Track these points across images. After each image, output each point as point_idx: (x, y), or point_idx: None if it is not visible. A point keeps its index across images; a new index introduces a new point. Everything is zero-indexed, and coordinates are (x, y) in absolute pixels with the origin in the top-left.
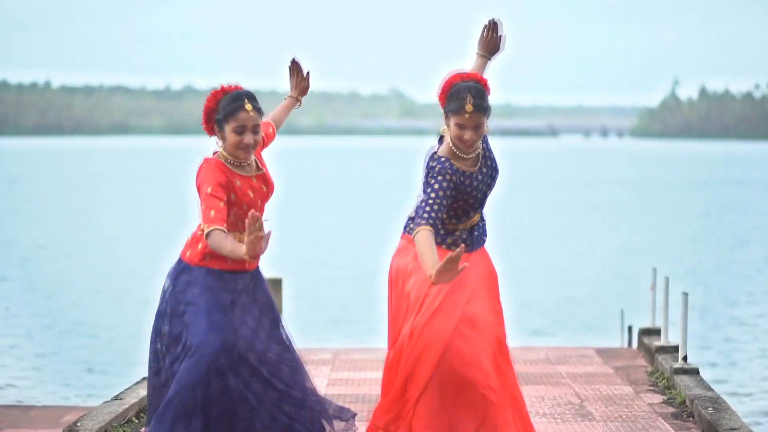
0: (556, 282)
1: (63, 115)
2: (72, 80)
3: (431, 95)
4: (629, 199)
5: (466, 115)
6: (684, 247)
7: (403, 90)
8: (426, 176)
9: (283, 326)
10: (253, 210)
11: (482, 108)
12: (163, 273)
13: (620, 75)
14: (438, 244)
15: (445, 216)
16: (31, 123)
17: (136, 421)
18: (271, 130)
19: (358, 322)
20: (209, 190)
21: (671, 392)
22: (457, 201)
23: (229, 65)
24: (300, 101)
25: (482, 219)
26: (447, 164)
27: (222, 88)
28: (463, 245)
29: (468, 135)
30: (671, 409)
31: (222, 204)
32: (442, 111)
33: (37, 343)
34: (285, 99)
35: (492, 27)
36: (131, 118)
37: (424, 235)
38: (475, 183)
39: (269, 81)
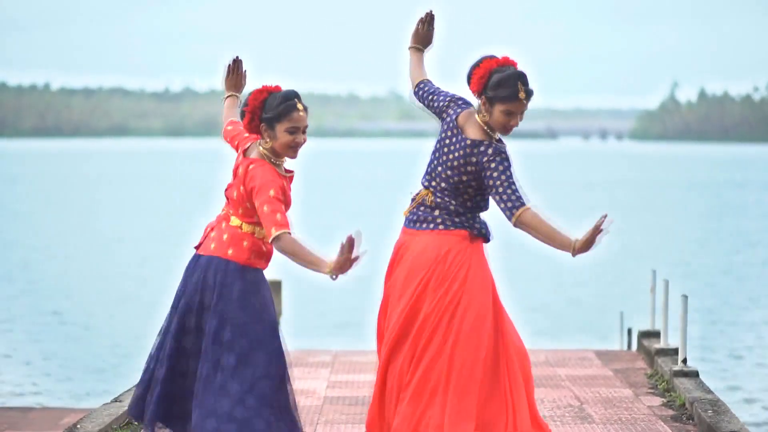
0: (556, 284)
1: (62, 117)
2: (71, 82)
3: None
4: (628, 201)
5: (517, 102)
6: (684, 250)
7: (402, 92)
8: (502, 159)
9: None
10: (351, 233)
11: (532, 94)
12: (162, 274)
13: (619, 77)
14: (477, 234)
15: (470, 203)
16: (30, 125)
17: (136, 423)
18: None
19: (358, 325)
20: (272, 192)
21: (671, 395)
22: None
23: None
24: (239, 98)
25: (440, 205)
26: (461, 109)
27: (264, 87)
28: (606, 215)
29: (515, 121)
30: (671, 412)
31: (284, 208)
32: (477, 94)
33: (36, 345)
34: (225, 99)
35: (428, 20)
36: (130, 120)
37: (530, 214)
38: (451, 151)
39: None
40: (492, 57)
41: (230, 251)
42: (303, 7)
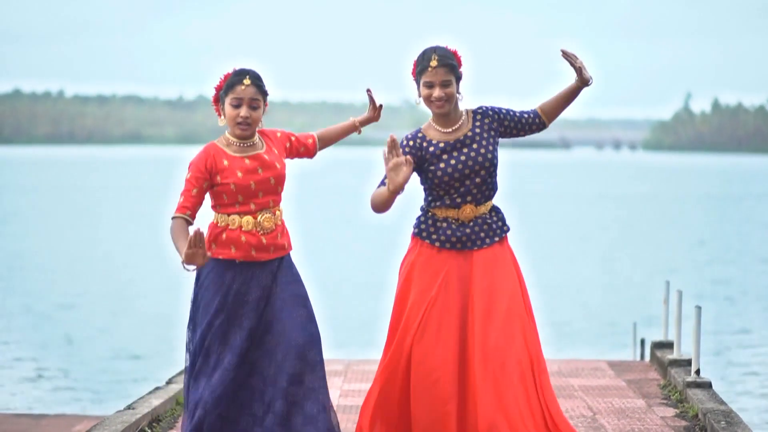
0: (569, 295)
1: (76, 125)
2: (85, 90)
3: None
4: (642, 212)
5: (431, 70)
6: (697, 261)
7: (415, 102)
8: None
9: (299, 321)
10: (199, 228)
11: (447, 63)
12: (175, 280)
13: (633, 88)
14: (422, 237)
15: (430, 197)
16: (44, 132)
17: (149, 430)
18: (310, 141)
19: (371, 333)
20: (188, 175)
21: (684, 406)
22: (425, 172)
23: None
24: (359, 128)
25: (489, 216)
26: (414, 132)
27: (233, 69)
28: (391, 136)
29: (436, 92)
30: (684, 423)
31: (195, 191)
32: (415, 84)
33: (49, 352)
34: (348, 120)
35: (567, 58)
36: (144, 128)
37: (377, 191)
38: (446, 156)
39: (281, 92)
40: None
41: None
42: (316, 18)
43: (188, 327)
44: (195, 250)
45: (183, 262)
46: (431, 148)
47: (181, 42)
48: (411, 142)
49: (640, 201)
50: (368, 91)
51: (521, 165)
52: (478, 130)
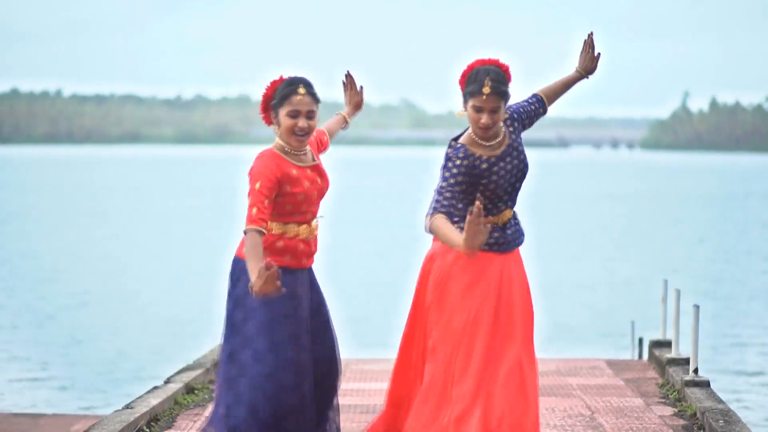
0: (567, 293)
1: (74, 124)
2: (83, 89)
3: (442, 106)
4: (639, 210)
5: (483, 97)
6: (695, 260)
7: (414, 101)
8: (442, 165)
9: (332, 328)
10: (275, 267)
11: (500, 91)
12: (173, 280)
13: (631, 87)
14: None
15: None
16: (42, 131)
17: (147, 430)
18: (325, 138)
19: (370, 333)
20: (258, 185)
21: (682, 404)
22: (476, 187)
23: (241, 75)
24: (347, 121)
25: (515, 218)
26: (461, 149)
27: (281, 77)
28: (479, 203)
29: (484, 119)
30: (682, 422)
31: (267, 202)
32: (462, 96)
33: (46, 352)
34: (336, 114)
35: (590, 44)
36: (142, 128)
37: (440, 220)
38: (496, 169)
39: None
40: (481, 59)
41: (244, 250)
42: (314, 17)
43: (231, 331)
44: (270, 286)
45: (251, 287)
46: (483, 165)
47: (180, 41)
48: (465, 161)
49: (639, 200)
50: (348, 74)
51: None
52: (513, 136)
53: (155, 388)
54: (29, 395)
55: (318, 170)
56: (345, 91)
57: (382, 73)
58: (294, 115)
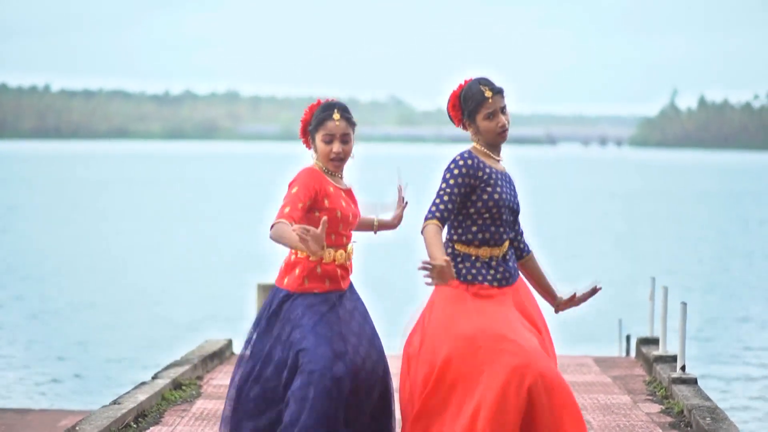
0: (554, 290)
1: (62, 119)
2: (71, 84)
3: (431, 103)
4: (627, 208)
5: (489, 101)
6: (683, 257)
7: (402, 97)
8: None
9: (378, 339)
10: (326, 217)
11: (499, 89)
12: (160, 276)
13: (619, 84)
14: (474, 281)
15: (470, 235)
16: (29, 126)
17: (135, 425)
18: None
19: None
20: (294, 190)
21: (669, 402)
22: (476, 197)
23: (229, 71)
24: (375, 227)
25: (511, 250)
26: (467, 153)
27: (318, 101)
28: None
29: (501, 120)
30: (669, 419)
31: (301, 206)
32: (461, 125)
33: (34, 347)
34: (376, 221)
35: (587, 297)
36: (130, 123)
37: (432, 230)
38: (499, 182)
39: (268, 87)
40: (459, 84)
41: (285, 280)
42: (302, 13)
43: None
44: (318, 241)
45: (299, 243)
46: (487, 171)
47: (169, 37)
48: (470, 162)
49: (627, 197)
50: (399, 188)
51: (506, 161)
52: (509, 179)
53: (143, 383)
54: (14, 391)
55: (351, 196)
56: (397, 205)
57: (370, 69)
58: (329, 140)
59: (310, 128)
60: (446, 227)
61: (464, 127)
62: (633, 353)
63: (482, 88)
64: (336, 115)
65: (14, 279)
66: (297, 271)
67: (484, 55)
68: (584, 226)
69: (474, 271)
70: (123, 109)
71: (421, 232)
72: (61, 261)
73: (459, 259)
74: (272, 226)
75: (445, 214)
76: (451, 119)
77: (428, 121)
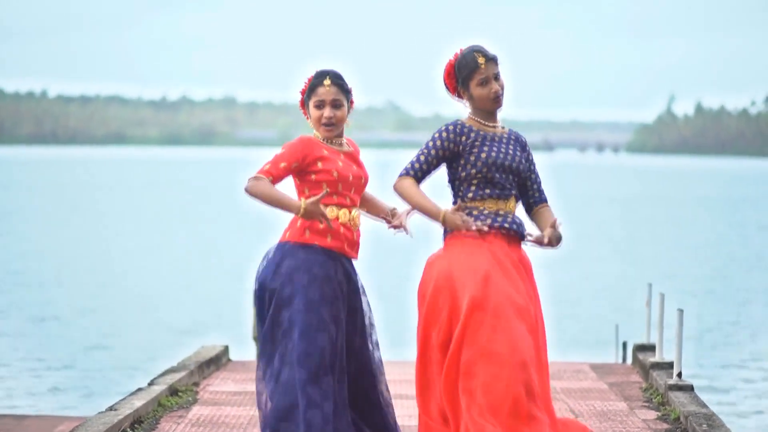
0: (551, 297)
1: (59, 125)
2: (68, 90)
3: (428, 108)
4: (624, 214)
5: (482, 67)
6: (680, 263)
7: (399, 103)
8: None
9: (374, 330)
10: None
11: (493, 56)
12: (156, 281)
13: (616, 91)
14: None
15: (471, 193)
16: (27, 132)
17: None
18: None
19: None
20: (280, 151)
21: (665, 408)
22: (470, 162)
23: (226, 76)
24: (388, 212)
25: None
26: (455, 121)
27: (316, 71)
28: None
29: (494, 86)
30: (665, 426)
31: (283, 165)
32: (456, 94)
33: (30, 352)
34: (390, 207)
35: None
36: (127, 128)
37: (408, 182)
38: (489, 143)
39: (265, 92)
40: (450, 58)
41: (287, 234)
42: (300, 18)
43: (270, 318)
44: (320, 210)
45: (300, 211)
46: (472, 134)
47: (166, 42)
48: (453, 128)
49: (624, 203)
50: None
51: None
52: (512, 142)
53: (139, 389)
54: (11, 396)
55: (353, 158)
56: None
57: (367, 74)
58: (319, 105)
59: (305, 97)
60: (450, 195)
61: (459, 96)
62: (629, 360)
63: (475, 55)
64: (327, 81)
65: (11, 284)
66: (299, 223)
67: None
68: (581, 232)
69: (482, 218)
70: (120, 115)
71: (395, 187)
72: (58, 266)
73: (467, 212)
74: (249, 179)
75: (419, 174)
76: (447, 89)
77: (425, 127)
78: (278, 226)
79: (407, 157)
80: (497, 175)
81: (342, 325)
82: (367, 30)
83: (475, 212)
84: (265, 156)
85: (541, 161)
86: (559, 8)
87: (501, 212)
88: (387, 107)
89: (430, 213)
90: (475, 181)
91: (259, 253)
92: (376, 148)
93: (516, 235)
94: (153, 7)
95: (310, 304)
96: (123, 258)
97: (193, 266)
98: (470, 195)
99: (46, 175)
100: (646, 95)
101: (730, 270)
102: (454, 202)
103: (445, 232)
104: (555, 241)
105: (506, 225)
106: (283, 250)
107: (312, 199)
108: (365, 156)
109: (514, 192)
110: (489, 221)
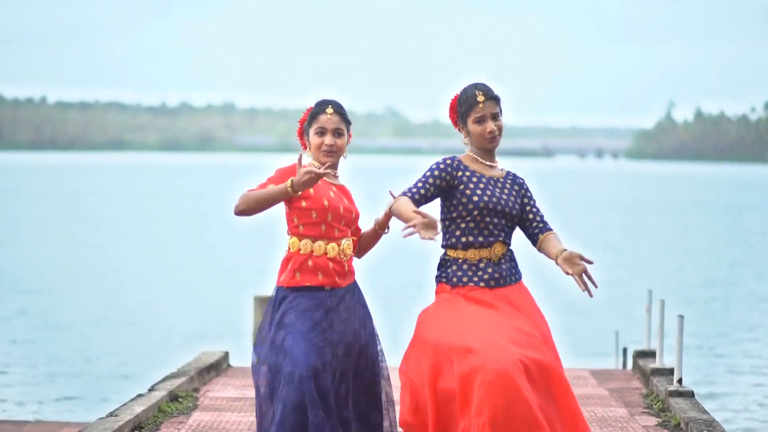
0: (552, 303)
1: (58, 131)
2: (67, 96)
3: (427, 114)
4: (624, 220)
5: (480, 105)
6: (680, 270)
7: (398, 109)
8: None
9: (378, 341)
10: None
11: (493, 95)
12: (156, 288)
13: (616, 96)
14: (456, 283)
15: (454, 239)
16: (26, 138)
17: None
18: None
19: None
20: (273, 174)
21: (666, 415)
22: (461, 203)
23: (225, 82)
24: (378, 227)
25: (512, 257)
26: (450, 157)
27: (317, 101)
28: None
29: (489, 126)
30: None
31: (271, 186)
32: (458, 127)
33: (31, 358)
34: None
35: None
36: (126, 134)
37: (401, 198)
38: (483, 186)
39: (265, 98)
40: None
41: (282, 278)
42: (299, 24)
43: (263, 350)
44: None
45: (293, 186)
46: (467, 173)
47: (164, 48)
48: (450, 162)
49: (624, 209)
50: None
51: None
52: (508, 184)
53: (139, 395)
54: (11, 402)
55: (344, 191)
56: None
57: (366, 80)
58: (321, 132)
59: (305, 125)
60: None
61: (459, 130)
62: (630, 366)
63: (476, 92)
64: (329, 110)
65: (10, 291)
66: (289, 265)
67: (480, 66)
68: (581, 238)
69: (460, 273)
70: (119, 121)
71: (390, 208)
72: (57, 273)
73: (448, 264)
74: (238, 201)
75: (417, 197)
76: (452, 122)
77: (424, 133)
78: (279, 228)
79: (406, 163)
80: (487, 219)
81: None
82: (367, 36)
83: (454, 267)
84: (265, 162)
85: (540, 167)
86: (558, 15)
87: (482, 263)
88: (386, 113)
89: (406, 219)
90: (463, 225)
91: (258, 260)
92: (375, 154)
93: (498, 285)
94: (152, 14)
95: (300, 315)
96: (122, 264)
97: (193, 272)
98: (453, 240)
99: (45, 181)
100: (646, 101)
101: (731, 276)
102: (443, 245)
103: (442, 278)
104: (578, 263)
105: (481, 284)
106: (281, 298)
107: (296, 177)
108: (364, 162)
109: (501, 237)
110: (465, 279)
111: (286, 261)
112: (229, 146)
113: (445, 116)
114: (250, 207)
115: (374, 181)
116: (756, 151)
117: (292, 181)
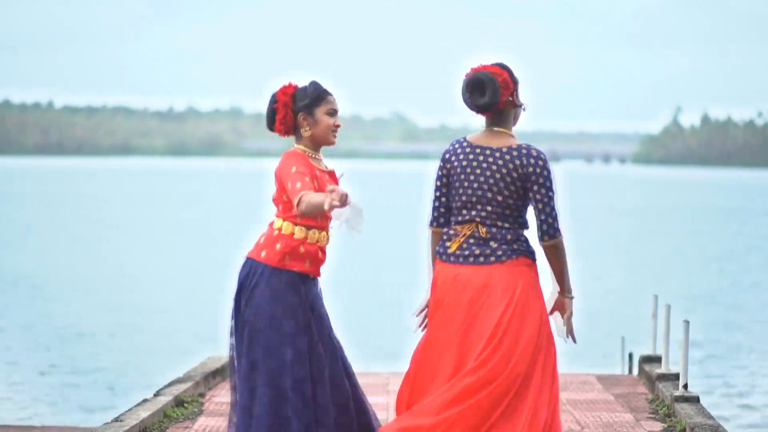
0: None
1: (65, 135)
2: (74, 100)
3: (434, 119)
4: (630, 225)
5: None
6: (686, 275)
7: (405, 114)
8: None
9: (335, 337)
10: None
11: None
12: (163, 292)
13: (623, 101)
14: (437, 256)
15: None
16: (33, 142)
17: None
18: None
19: (359, 347)
20: (293, 169)
21: (672, 420)
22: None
23: (233, 87)
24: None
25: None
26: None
27: (289, 83)
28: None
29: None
30: None
31: (308, 179)
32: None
33: (36, 363)
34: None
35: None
36: (133, 139)
37: (432, 237)
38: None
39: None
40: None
41: (263, 253)
42: (306, 29)
43: (240, 331)
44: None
45: (333, 204)
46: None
47: (171, 53)
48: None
49: (631, 214)
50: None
51: None
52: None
53: (145, 400)
54: (17, 407)
55: (333, 177)
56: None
57: (374, 85)
58: (332, 113)
59: (302, 104)
60: None
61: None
62: (636, 371)
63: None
64: (330, 90)
65: (16, 294)
66: (278, 246)
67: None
68: (587, 243)
69: (438, 246)
70: (126, 125)
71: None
72: (63, 277)
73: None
74: (299, 203)
75: (435, 214)
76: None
77: (432, 138)
78: None
79: (414, 167)
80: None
81: (313, 333)
82: (374, 41)
83: (451, 231)
84: (272, 167)
85: None
86: (565, 22)
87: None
88: (393, 118)
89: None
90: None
91: None
92: (383, 159)
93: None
94: (159, 19)
95: (273, 321)
96: (128, 269)
97: (199, 277)
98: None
99: (52, 186)
100: (653, 106)
101: (737, 281)
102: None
103: (452, 257)
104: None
105: (451, 259)
106: (259, 274)
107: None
108: (372, 167)
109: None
110: (440, 250)
111: (273, 240)
112: (237, 151)
113: (452, 121)
114: (312, 212)
115: (382, 186)
116: (763, 156)
117: (326, 203)
